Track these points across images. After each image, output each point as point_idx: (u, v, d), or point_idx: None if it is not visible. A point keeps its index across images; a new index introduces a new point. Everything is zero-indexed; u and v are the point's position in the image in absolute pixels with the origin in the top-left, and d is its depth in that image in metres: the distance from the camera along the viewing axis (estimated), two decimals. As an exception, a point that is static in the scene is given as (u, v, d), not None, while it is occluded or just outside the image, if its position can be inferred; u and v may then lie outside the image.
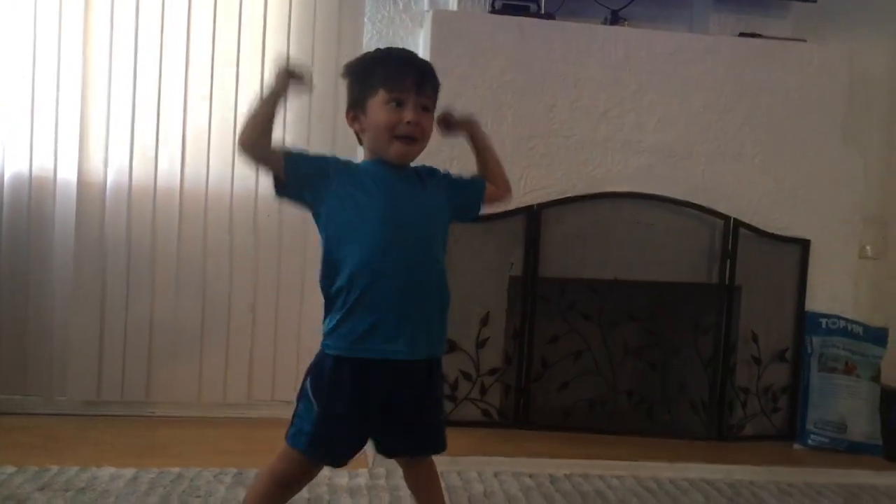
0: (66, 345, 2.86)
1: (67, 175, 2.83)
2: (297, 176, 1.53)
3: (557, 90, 2.86)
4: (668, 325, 3.09)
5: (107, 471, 2.19)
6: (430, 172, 1.65)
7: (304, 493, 2.08)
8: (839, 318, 2.98)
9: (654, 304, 3.11)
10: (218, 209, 2.93)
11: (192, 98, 2.90)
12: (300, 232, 3.00)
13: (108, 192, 2.86)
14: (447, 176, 1.69)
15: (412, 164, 1.62)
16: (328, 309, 1.56)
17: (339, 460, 1.59)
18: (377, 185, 1.54)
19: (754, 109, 2.96)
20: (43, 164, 2.81)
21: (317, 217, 1.59)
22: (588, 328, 2.98)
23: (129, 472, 2.19)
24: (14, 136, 2.80)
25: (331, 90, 2.82)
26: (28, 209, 2.82)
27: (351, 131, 1.64)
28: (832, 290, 3.02)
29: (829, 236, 3.01)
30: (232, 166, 2.92)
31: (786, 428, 2.99)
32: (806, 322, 2.99)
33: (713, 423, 2.92)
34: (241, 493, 2.06)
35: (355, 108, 1.56)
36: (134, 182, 2.87)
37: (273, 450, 2.51)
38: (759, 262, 2.96)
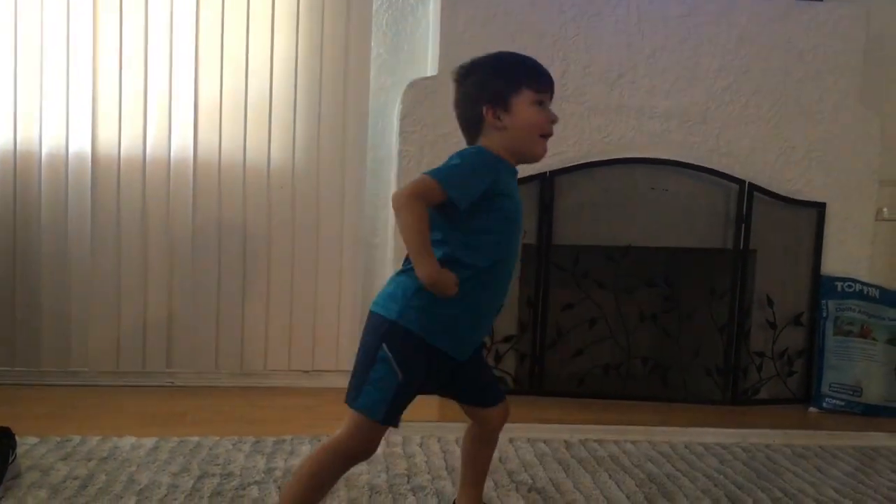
0: (84, 317, 2.90)
1: (81, 148, 2.84)
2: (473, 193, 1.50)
3: (569, 55, 2.83)
4: (683, 291, 3.08)
5: (128, 440, 2.22)
6: None
7: (321, 460, 2.11)
8: (855, 280, 2.96)
9: (669, 270, 3.10)
10: (231, 180, 2.94)
11: (203, 69, 2.89)
12: (313, 204, 3.01)
13: (121, 165, 2.87)
14: None
15: None
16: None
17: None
18: (515, 191, 1.60)
19: (770, 72, 2.92)
20: (55, 138, 2.82)
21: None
22: (602, 295, 2.97)
23: (149, 441, 2.22)
24: (25, 109, 2.80)
25: (340, 54, 2.83)
26: (40, 182, 2.83)
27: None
28: (848, 254, 3.00)
29: (844, 199, 2.99)
30: (244, 138, 2.93)
31: (801, 392, 2.99)
32: (821, 285, 2.98)
33: (728, 388, 2.93)
34: (260, 462, 2.10)
35: (496, 104, 1.56)
36: (148, 154, 2.88)
37: (288, 419, 2.56)
38: (775, 226, 2.94)
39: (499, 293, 1.59)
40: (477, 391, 1.68)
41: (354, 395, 1.50)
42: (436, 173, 1.47)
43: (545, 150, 1.61)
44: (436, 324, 1.50)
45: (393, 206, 1.46)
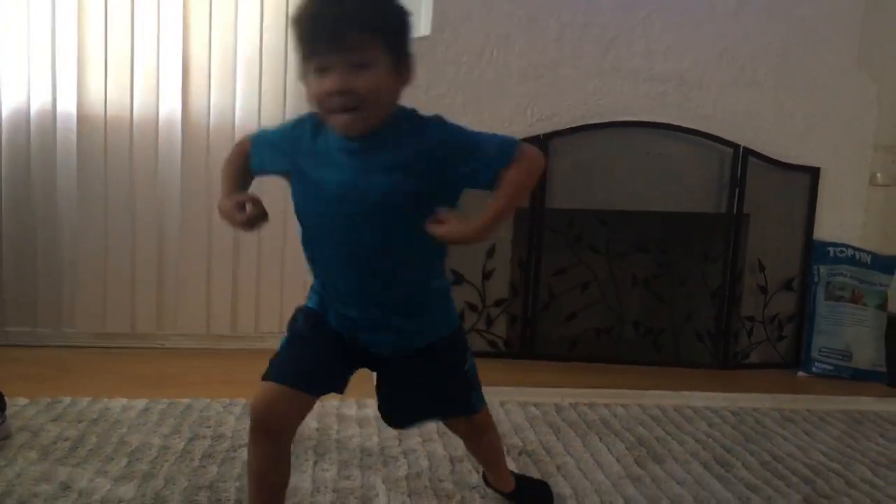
0: (74, 277, 2.88)
1: (67, 108, 2.79)
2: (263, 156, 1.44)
3: (565, 17, 2.79)
4: (676, 256, 3.08)
5: (118, 402, 2.22)
6: (421, 130, 1.30)
7: (312, 422, 2.12)
8: (847, 246, 2.97)
9: (662, 235, 3.10)
10: (220, 141, 2.90)
11: (192, 27, 2.84)
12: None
13: (108, 125, 2.83)
14: (446, 138, 1.31)
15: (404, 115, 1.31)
16: None
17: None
18: (326, 158, 1.31)
19: (767, 35, 2.89)
20: (42, 97, 2.78)
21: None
22: (595, 259, 2.98)
23: (140, 402, 2.22)
24: (11, 69, 2.75)
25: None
26: (28, 143, 2.79)
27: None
28: (841, 219, 3.00)
29: (840, 164, 2.98)
30: (233, 97, 2.89)
31: (791, 356, 3.01)
32: (813, 250, 2.98)
33: (718, 352, 2.94)
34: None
35: (304, 76, 1.27)
36: (135, 114, 2.84)
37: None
38: (769, 191, 2.93)
39: (339, 284, 1.36)
40: (418, 402, 1.49)
41: None
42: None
43: (344, 126, 1.24)
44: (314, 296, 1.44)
45: None
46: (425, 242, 1.26)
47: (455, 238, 1.25)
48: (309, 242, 1.41)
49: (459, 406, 1.53)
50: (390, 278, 1.34)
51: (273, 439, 1.33)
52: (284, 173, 1.40)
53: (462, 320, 2.80)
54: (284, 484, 1.39)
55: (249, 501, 1.37)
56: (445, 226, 1.24)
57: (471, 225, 1.25)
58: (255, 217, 1.36)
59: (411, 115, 1.32)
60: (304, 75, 1.25)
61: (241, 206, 1.34)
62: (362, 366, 1.45)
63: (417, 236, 1.25)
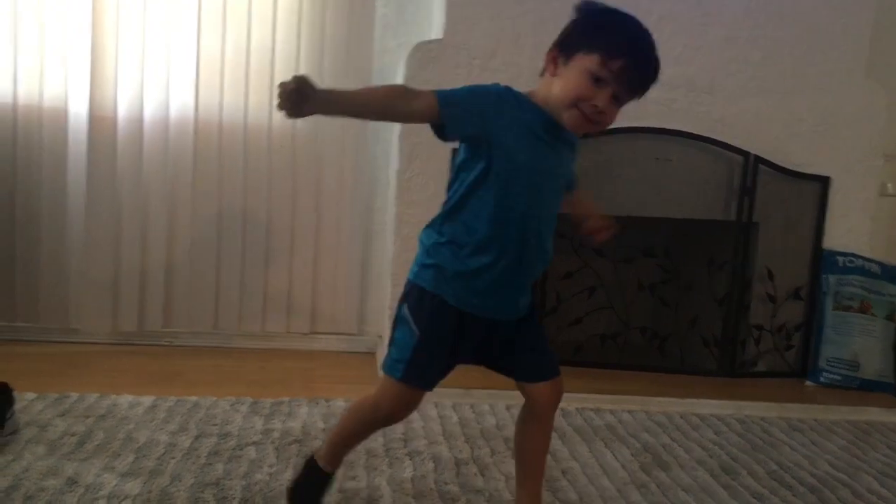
0: (83, 275, 2.89)
1: (79, 105, 2.80)
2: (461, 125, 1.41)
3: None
4: (683, 262, 3.08)
5: (125, 398, 2.23)
6: (573, 139, 1.50)
7: (318, 423, 2.12)
8: (856, 256, 2.96)
9: (670, 241, 3.09)
10: (232, 140, 2.91)
11: (206, 27, 2.85)
12: (314, 164, 2.99)
13: (119, 124, 2.83)
14: (576, 148, 1.54)
15: None
16: None
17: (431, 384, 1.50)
18: (531, 132, 1.41)
19: (777, 43, 2.88)
20: (55, 97, 2.79)
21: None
22: (602, 264, 2.97)
23: (147, 399, 2.23)
24: (25, 67, 2.76)
25: (344, 14, 2.80)
26: (41, 141, 2.80)
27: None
28: (850, 228, 2.99)
29: (849, 173, 2.97)
30: (245, 97, 2.89)
31: (798, 365, 3.00)
32: (822, 260, 2.97)
33: (725, 360, 2.93)
34: (258, 423, 2.10)
35: (562, 51, 1.39)
36: (147, 114, 2.84)
37: (286, 381, 2.57)
38: (778, 200, 2.93)
39: (519, 251, 1.42)
40: (518, 362, 1.53)
41: (384, 358, 1.50)
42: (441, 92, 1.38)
43: (573, 124, 1.39)
44: (450, 281, 1.43)
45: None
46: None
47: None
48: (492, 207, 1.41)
49: (554, 367, 1.57)
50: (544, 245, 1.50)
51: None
52: (476, 137, 1.41)
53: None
54: None
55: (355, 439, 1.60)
56: (603, 232, 1.64)
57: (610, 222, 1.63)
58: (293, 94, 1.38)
59: None
60: (574, 56, 1.37)
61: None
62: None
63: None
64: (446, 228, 1.45)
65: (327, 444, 1.60)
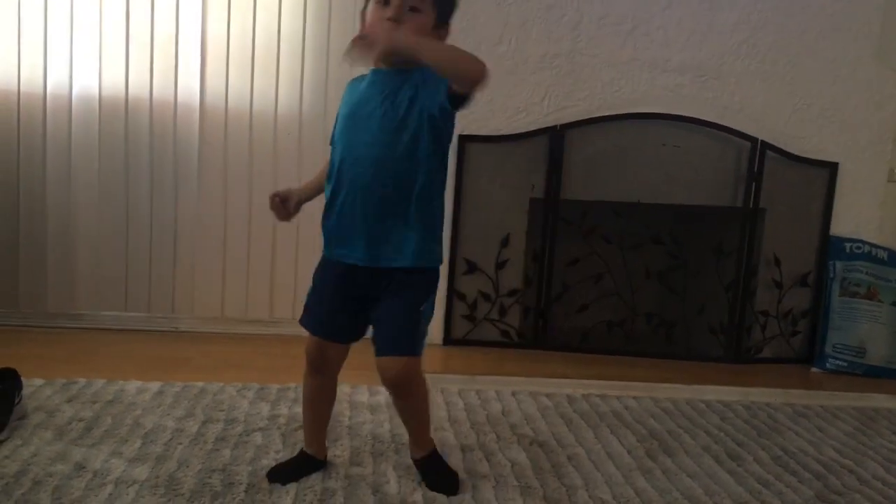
0: (90, 260, 2.90)
1: (86, 89, 2.80)
2: None
3: (583, 6, 2.78)
4: (690, 249, 3.07)
5: (133, 384, 2.23)
6: (421, 72, 1.53)
7: (325, 408, 2.13)
8: (863, 242, 2.95)
9: (677, 228, 3.08)
10: (238, 126, 2.91)
11: (211, 12, 2.84)
12: (320, 150, 2.97)
13: (129, 107, 2.83)
14: (429, 74, 1.52)
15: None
16: None
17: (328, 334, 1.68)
18: (358, 96, 1.62)
19: (786, 28, 2.86)
20: (59, 81, 2.79)
21: None
22: (609, 251, 2.97)
23: (154, 385, 2.24)
24: (29, 51, 2.76)
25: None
26: (45, 126, 2.80)
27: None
28: (858, 215, 2.98)
29: (857, 159, 2.95)
30: (251, 82, 2.89)
31: (804, 351, 3.00)
32: (829, 246, 2.96)
33: (731, 346, 2.93)
34: (264, 409, 2.11)
35: (362, 13, 1.59)
36: (154, 98, 2.84)
37: (293, 367, 2.56)
38: (786, 185, 2.92)
39: (348, 192, 1.58)
40: (374, 326, 1.66)
41: None
42: None
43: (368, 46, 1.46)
44: (323, 229, 1.66)
45: None
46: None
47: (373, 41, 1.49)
48: None
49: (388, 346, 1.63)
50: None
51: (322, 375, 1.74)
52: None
53: (475, 309, 2.82)
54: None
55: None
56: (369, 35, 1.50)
57: (386, 36, 1.48)
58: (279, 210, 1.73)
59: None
60: (364, 11, 1.55)
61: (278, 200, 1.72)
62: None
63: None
64: None
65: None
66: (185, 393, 2.19)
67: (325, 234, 1.66)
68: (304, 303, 1.69)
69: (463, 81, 1.46)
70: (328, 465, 1.77)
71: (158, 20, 2.82)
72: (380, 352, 1.60)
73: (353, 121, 1.60)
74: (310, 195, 1.76)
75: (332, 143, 1.69)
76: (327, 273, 1.67)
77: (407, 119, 1.53)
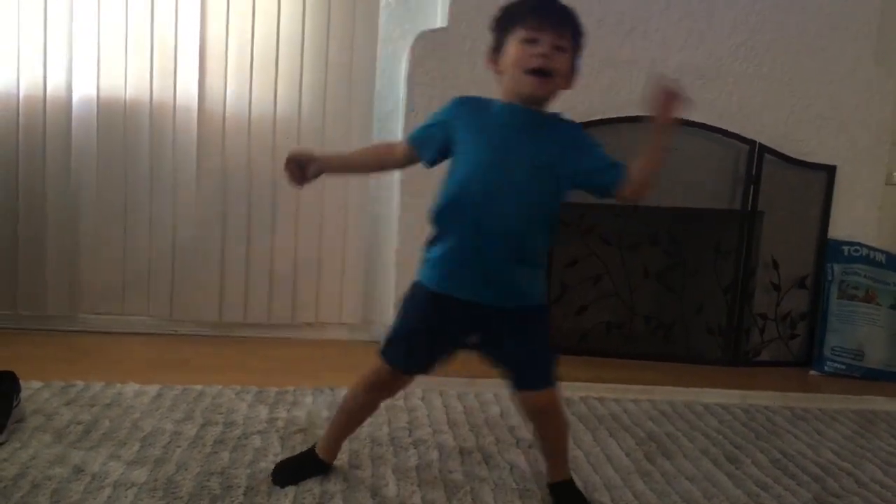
0: (88, 263, 2.90)
1: (85, 92, 2.80)
2: (431, 146, 1.63)
3: (581, 8, 2.75)
4: (689, 251, 3.07)
5: (131, 387, 2.23)
6: (567, 127, 1.62)
7: (323, 412, 2.13)
8: (861, 245, 2.95)
9: (675, 230, 3.09)
10: (236, 131, 2.91)
11: (210, 16, 2.84)
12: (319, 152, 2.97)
13: (127, 110, 2.84)
14: (581, 137, 1.62)
15: (556, 113, 1.59)
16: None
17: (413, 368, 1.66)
18: (493, 126, 1.56)
19: (784, 29, 2.87)
20: (58, 82, 2.79)
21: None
22: (608, 252, 2.97)
23: (153, 388, 2.23)
24: (28, 52, 2.76)
25: (349, 2, 2.79)
26: (45, 127, 2.80)
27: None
28: (856, 217, 2.99)
29: (855, 162, 2.96)
30: (250, 86, 2.89)
31: (803, 354, 3.00)
32: (828, 249, 2.96)
33: (730, 349, 2.94)
34: (263, 412, 2.11)
35: (495, 51, 1.57)
36: (154, 100, 2.84)
37: (291, 370, 2.58)
38: (784, 188, 2.92)
39: (482, 226, 1.52)
40: (508, 365, 1.62)
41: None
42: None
43: (533, 86, 1.51)
44: (427, 266, 1.60)
45: None
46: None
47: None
48: None
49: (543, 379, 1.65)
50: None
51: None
52: (446, 147, 1.60)
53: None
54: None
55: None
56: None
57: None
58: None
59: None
60: (505, 45, 1.53)
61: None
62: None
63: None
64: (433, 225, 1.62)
65: (326, 431, 1.79)
66: (184, 396, 2.19)
67: (437, 267, 1.59)
68: (386, 336, 1.64)
69: (636, 196, 1.55)
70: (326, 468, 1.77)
71: (158, 23, 2.82)
72: (533, 386, 1.62)
73: (492, 154, 1.53)
74: (333, 168, 1.78)
75: (416, 144, 1.65)
76: (428, 306, 1.59)
77: (556, 169, 1.55)
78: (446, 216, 1.57)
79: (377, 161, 1.77)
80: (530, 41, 1.50)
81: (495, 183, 1.52)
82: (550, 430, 1.70)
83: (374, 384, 1.67)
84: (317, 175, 1.71)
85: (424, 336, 1.61)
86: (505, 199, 1.52)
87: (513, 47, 1.52)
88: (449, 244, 1.56)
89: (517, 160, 1.53)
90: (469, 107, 1.60)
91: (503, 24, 1.57)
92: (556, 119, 1.59)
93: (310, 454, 1.76)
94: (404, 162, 1.69)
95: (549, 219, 1.58)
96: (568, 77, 1.56)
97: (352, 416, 1.76)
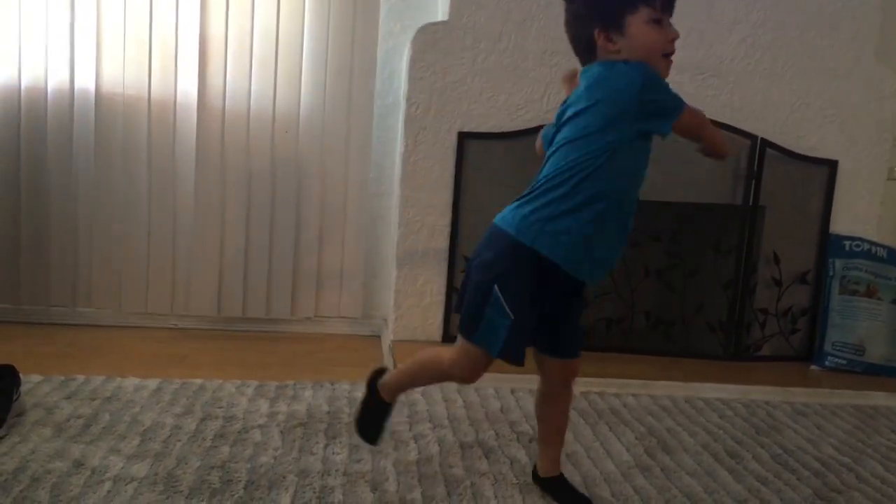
0: (88, 257, 2.90)
1: (86, 86, 2.80)
2: None
3: (583, 3, 2.76)
4: (690, 246, 3.07)
5: (131, 381, 2.23)
6: None
7: (323, 406, 2.13)
8: (863, 240, 2.94)
9: (677, 225, 3.08)
10: (235, 125, 2.90)
11: (210, 9, 2.84)
12: (317, 150, 2.98)
13: (125, 105, 2.83)
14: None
15: None
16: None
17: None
18: None
19: (786, 26, 2.86)
20: (60, 76, 2.78)
21: None
22: (608, 248, 2.96)
23: (152, 382, 2.23)
24: (30, 47, 2.76)
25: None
26: (46, 121, 2.80)
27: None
28: (857, 212, 2.98)
29: (857, 157, 2.95)
30: (249, 82, 2.88)
31: (804, 349, 2.99)
32: (829, 244, 2.96)
33: (730, 344, 2.93)
34: (263, 406, 2.11)
35: (609, 26, 1.47)
36: (153, 95, 2.84)
37: (291, 364, 2.57)
38: (785, 183, 2.91)
39: (622, 213, 1.50)
40: (555, 335, 1.63)
41: (471, 329, 1.52)
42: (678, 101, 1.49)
43: (667, 69, 1.50)
44: (553, 237, 1.48)
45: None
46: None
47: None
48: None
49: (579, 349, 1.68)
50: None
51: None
52: None
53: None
54: None
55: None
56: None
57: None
58: None
59: None
60: (625, 22, 1.45)
61: None
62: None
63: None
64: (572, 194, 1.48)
65: (394, 382, 1.74)
66: (184, 390, 2.19)
67: (578, 247, 1.48)
68: (491, 336, 1.51)
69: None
70: (326, 462, 1.77)
71: (157, 18, 2.81)
72: (573, 354, 1.66)
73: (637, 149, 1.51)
74: None
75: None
76: (537, 276, 1.50)
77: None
78: (601, 194, 1.46)
79: None
80: (657, 21, 1.46)
81: (632, 170, 1.51)
82: (561, 409, 1.71)
83: (472, 377, 1.60)
84: None
85: (530, 309, 1.52)
86: (634, 186, 1.53)
87: (642, 28, 1.45)
88: (588, 219, 1.46)
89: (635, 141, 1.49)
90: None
91: (623, 2, 1.47)
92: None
93: (378, 401, 1.76)
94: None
95: None
96: None
97: (426, 380, 1.80)
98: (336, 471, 1.73)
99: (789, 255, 2.96)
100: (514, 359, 1.51)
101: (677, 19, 2.68)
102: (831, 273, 2.94)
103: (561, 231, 1.47)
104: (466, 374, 1.59)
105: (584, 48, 1.52)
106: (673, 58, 1.53)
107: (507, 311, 1.48)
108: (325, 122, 2.97)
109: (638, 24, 1.45)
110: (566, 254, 1.47)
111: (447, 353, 1.60)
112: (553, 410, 1.72)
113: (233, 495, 1.59)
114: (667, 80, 1.48)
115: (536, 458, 1.76)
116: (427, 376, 1.75)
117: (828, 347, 2.92)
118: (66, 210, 2.86)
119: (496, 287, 1.49)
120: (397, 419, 2.06)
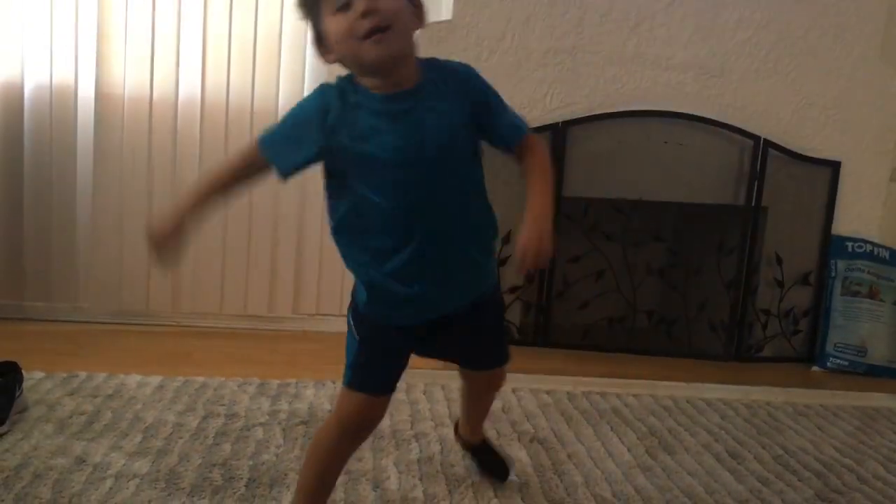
0: (90, 254, 2.90)
1: (87, 85, 2.80)
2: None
3: (586, 2, 2.76)
4: (692, 246, 3.07)
5: (133, 378, 2.24)
6: (454, 75, 1.41)
7: (325, 405, 2.13)
8: (865, 241, 2.94)
9: (679, 225, 3.08)
10: (238, 122, 2.90)
11: (213, 8, 2.84)
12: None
13: (126, 104, 2.83)
14: (481, 88, 1.44)
15: (422, 65, 1.38)
16: None
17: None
18: (388, 126, 1.29)
19: (790, 25, 2.85)
20: (63, 76, 2.78)
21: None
22: (610, 248, 2.96)
23: (155, 379, 2.24)
24: (34, 47, 2.76)
25: None
26: (50, 120, 2.80)
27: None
28: (860, 213, 2.97)
29: (860, 158, 2.95)
30: (252, 78, 2.88)
31: (805, 350, 2.99)
32: (831, 245, 2.96)
33: (732, 345, 2.93)
34: (265, 404, 2.11)
35: (319, 41, 1.30)
36: (155, 94, 2.84)
37: (293, 362, 2.58)
38: (788, 184, 2.91)
39: (416, 245, 1.32)
40: (462, 355, 1.56)
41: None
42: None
43: (376, 51, 1.22)
44: (359, 292, 1.43)
45: None
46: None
47: (544, 258, 1.28)
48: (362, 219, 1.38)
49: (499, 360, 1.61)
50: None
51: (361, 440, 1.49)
52: (314, 160, 1.36)
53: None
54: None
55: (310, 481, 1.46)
56: (529, 258, 1.27)
57: (542, 238, 1.29)
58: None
59: (433, 62, 1.41)
60: (323, 29, 1.26)
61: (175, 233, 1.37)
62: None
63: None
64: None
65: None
66: (186, 388, 2.20)
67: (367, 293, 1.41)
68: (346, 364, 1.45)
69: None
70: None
71: (160, 18, 2.81)
72: (494, 365, 1.59)
73: (395, 161, 1.30)
74: (197, 216, 1.48)
75: None
76: (383, 332, 1.42)
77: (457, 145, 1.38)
78: (362, 235, 1.44)
79: (227, 180, 1.55)
80: (345, 6, 1.21)
81: (405, 184, 1.31)
82: (485, 405, 1.75)
83: (351, 427, 1.44)
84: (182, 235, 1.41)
85: (388, 351, 1.45)
86: (423, 197, 1.33)
87: (331, 24, 1.24)
88: (381, 268, 1.39)
89: (412, 153, 1.30)
90: (335, 102, 1.33)
91: (308, 8, 1.30)
92: (434, 77, 1.37)
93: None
94: (256, 171, 1.51)
95: (470, 193, 1.46)
96: (409, 13, 1.30)
97: (328, 471, 1.49)
98: (338, 469, 1.73)
99: (791, 256, 2.96)
100: (359, 383, 1.41)
101: (681, 19, 2.67)
102: (833, 274, 2.94)
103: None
104: (345, 419, 1.42)
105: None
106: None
107: (355, 333, 1.43)
108: (328, 121, 2.96)
109: (327, 23, 1.25)
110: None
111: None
112: (477, 405, 1.74)
113: (234, 493, 1.59)
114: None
115: (459, 419, 1.83)
116: (322, 451, 1.47)
117: (829, 348, 2.91)
118: (68, 207, 2.86)
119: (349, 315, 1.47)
120: (399, 417, 2.06)
